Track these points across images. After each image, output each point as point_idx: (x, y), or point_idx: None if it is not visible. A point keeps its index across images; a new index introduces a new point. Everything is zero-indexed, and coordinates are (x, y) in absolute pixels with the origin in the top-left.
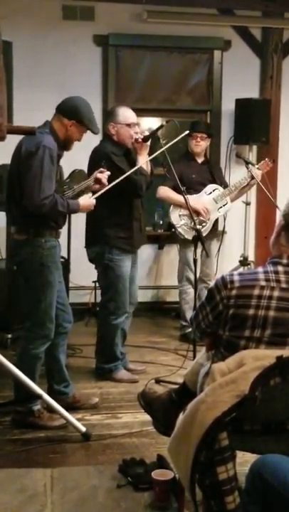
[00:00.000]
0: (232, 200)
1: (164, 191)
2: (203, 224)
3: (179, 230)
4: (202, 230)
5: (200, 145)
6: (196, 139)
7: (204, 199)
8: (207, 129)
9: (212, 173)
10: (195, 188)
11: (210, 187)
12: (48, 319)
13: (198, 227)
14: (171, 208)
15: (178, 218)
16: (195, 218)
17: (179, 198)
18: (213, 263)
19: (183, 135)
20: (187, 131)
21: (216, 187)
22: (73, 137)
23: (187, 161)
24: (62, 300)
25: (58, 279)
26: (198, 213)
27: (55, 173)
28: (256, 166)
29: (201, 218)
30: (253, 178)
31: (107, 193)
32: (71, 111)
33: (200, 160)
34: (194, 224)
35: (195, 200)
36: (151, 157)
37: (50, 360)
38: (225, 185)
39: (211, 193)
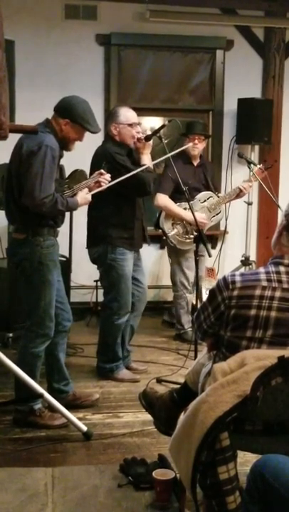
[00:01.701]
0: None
1: (163, 200)
2: (195, 234)
3: (171, 239)
4: (193, 240)
5: (198, 147)
6: (194, 141)
7: (198, 207)
8: (205, 130)
9: (206, 176)
10: (190, 194)
11: (204, 194)
12: (47, 318)
13: (205, 219)
14: (164, 214)
15: (170, 226)
16: (189, 228)
17: (177, 210)
18: (204, 267)
19: (186, 146)
20: (190, 144)
21: (211, 195)
22: (69, 137)
23: (183, 164)
24: (61, 299)
25: (56, 278)
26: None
27: (55, 172)
28: (251, 174)
29: (194, 228)
30: (241, 191)
31: (109, 192)
32: (65, 110)
33: (196, 162)
34: (196, 224)
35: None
36: (156, 161)
37: (50, 359)
38: (215, 187)
39: (205, 201)
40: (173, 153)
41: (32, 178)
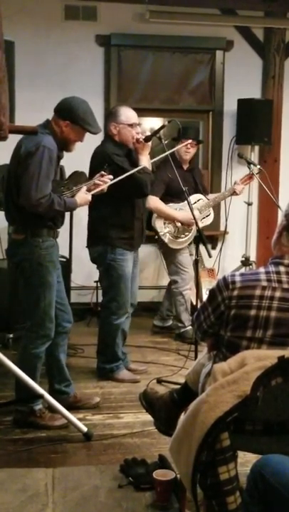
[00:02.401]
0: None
1: (154, 202)
2: (186, 233)
3: (163, 237)
4: (184, 239)
5: (190, 152)
6: (186, 146)
7: (188, 208)
8: (197, 135)
9: (195, 180)
10: (180, 197)
11: (194, 197)
12: (47, 319)
13: (201, 223)
14: (156, 214)
15: (162, 226)
16: (179, 227)
17: (168, 210)
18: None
19: (182, 145)
20: (190, 140)
21: (200, 197)
22: (70, 138)
23: (173, 169)
24: (61, 300)
25: (56, 279)
26: (188, 225)
27: (53, 173)
28: (238, 180)
29: (185, 227)
30: (234, 192)
31: (108, 193)
32: (65, 111)
33: (186, 167)
34: (196, 225)
35: (185, 213)
36: (153, 160)
37: (51, 360)
38: (204, 189)
39: (195, 202)
40: (169, 151)
41: (29, 179)
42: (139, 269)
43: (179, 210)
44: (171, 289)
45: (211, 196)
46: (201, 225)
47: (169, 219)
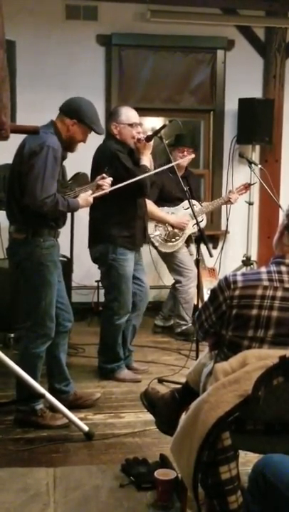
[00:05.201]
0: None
1: (148, 205)
2: (177, 237)
3: (153, 240)
4: (174, 243)
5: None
6: (183, 153)
7: (181, 213)
8: (192, 142)
9: (190, 187)
10: (173, 202)
11: (187, 202)
12: (48, 318)
13: (202, 217)
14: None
15: (153, 228)
16: (170, 230)
17: (161, 214)
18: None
19: (184, 159)
20: (193, 155)
21: (194, 203)
22: (76, 137)
23: (168, 174)
24: (62, 299)
25: (57, 279)
26: (180, 228)
27: (58, 173)
28: (235, 189)
29: (176, 231)
30: (229, 201)
31: (111, 192)
32: (72, 110)
33: (180, 173)
34: (197, 224)
35: (178, 216)
36: (158, 170)
37: (51, 360)
38: (198, 198)
39: (188, 208)
40: (175, 163)
41: (34, 178)
42: (144, 269)
43: (170, 214)
44: (176, 288)
45: (205, 204)
46: (193, 230)
47: (160, 222)
